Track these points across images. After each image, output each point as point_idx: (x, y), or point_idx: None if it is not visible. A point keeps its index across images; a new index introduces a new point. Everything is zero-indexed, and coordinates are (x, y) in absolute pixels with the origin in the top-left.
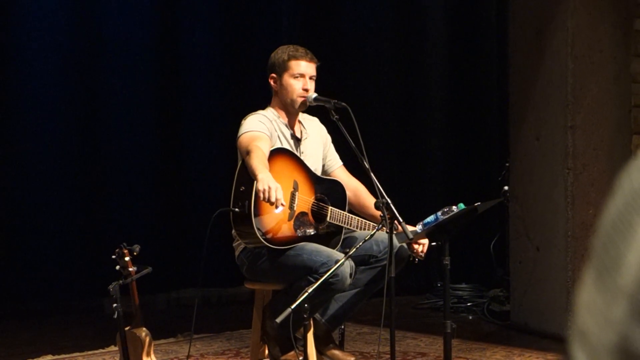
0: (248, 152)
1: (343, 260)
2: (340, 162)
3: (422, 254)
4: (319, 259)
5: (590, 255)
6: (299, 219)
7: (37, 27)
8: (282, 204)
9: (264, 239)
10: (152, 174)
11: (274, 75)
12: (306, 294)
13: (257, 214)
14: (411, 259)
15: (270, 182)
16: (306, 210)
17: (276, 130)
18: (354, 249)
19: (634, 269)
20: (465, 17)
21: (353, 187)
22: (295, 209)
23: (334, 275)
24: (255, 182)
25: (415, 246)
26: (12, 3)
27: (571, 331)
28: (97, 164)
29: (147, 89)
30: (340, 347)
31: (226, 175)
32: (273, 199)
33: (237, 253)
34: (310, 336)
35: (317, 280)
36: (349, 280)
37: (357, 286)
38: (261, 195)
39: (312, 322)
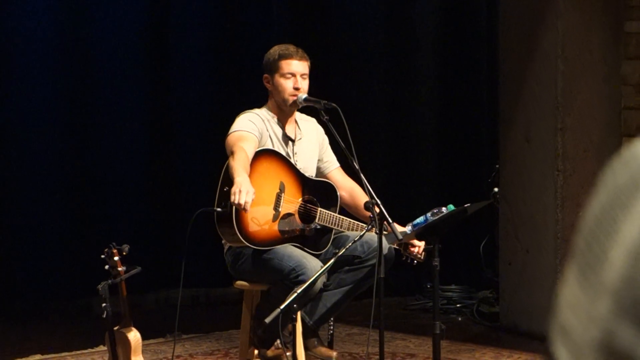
0: (232, 153)
1: (323, 269)
2: (337, 164)
3: (421, 256)
4: (288, 265)
5: (573, 252)
6: (285, 220)
7: (25, 26)
8: (247, 209)
9: (245, 239)
10: (141, 174)
11: (267, 75)
12: (295, 294)
13: (238, 215)
14: (408, 261)
15: (243, 185)
16: (293, 212)
17: (268, 130)
18: (334, 260)
19: (617, 266)
20: (455, 17)
21: (349, 187)
22: (280, 210)
23: (301, 278)
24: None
25: (413, 249)
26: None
27: (553, 328)
28: (86, 164)
29: (137, 89)
30: (329, 347)
31: (217, 174)
32: (242, 201)
33: (224, 251)
34: (298, 333)
35: (288, 286)
36: (318, 287)
37: (342, 286)
38: (232, 197)
39: (300, 320)
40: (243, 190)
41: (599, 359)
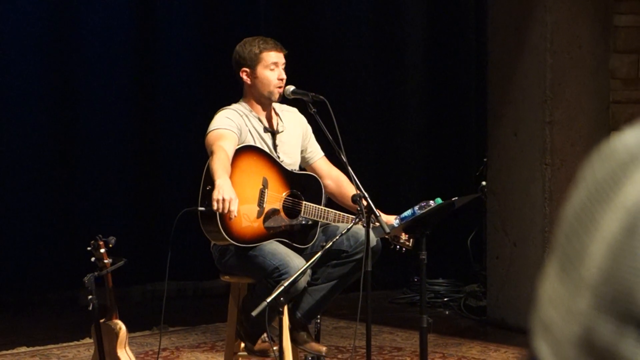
0: (211, 153)
1: (307, 265)
2: (321, 153)
3: (410, 244)
4: (271, 263)
5: (554, 246)
6: (269, 216)
7: (12, 20)
8: (234, 216)
9: (230, 237)
10: (127, 166)
11: (246, 69)
12: (282, 287)
13: (223, 214)
14: (397, 249)
15: (225, 192)
16: (277, 207)
17: (247, 125)
18: (318, 256)
19: (597, 261)
20: (444, 10)
21: (335, 177)
22: (264, 206)
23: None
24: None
25: (403, 236)
26: None
27: (534, 323)
28: (72, 155)
29: (123, 83)
30: (316, 340)
31: (200, 169)
32: (226, 211)
33: (211, 245)
34: (285, 328)
35: (271, 284)
36: (302, 285)
37: (330, 280)
38: (215, 205)
39: (286, 313)
40: (226, 198)
41: (579, 354)
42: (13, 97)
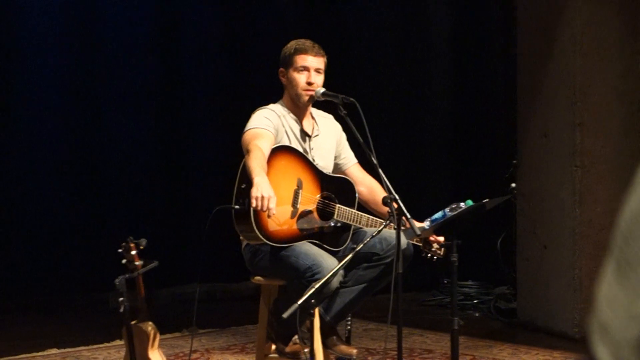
0: (248, 151)
1: (339, 266)
2: (354, 160)
3: (441, 252)
4: (304, 263)
5: (610, 247)
6: (303, 217)
7: (36, 22)
8: (272, 214)
9: (264, 236)
10: (158, 169)
11: (282, 69)
12: (313, 289)
13: (257, 212)
14: (428, 257)
15: (264, 189)
16: (311, 208)
17: (284, 126)
18: (350, 257)
19: None
20: (471, 11)
21: (368, 183)
22: (298, 206)
23: (317, 277)
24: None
25: (433, 244)
26: (10, 5)
27: (591, 326)
28: (103, 158)
29: (150, 85)
30: (347, 342)
31: (233, 170)
32: (265, 209)
33: (242, 246)
34: (316, 330)
35: (304, 284)
36: (334, 285)
37: (360, 283)
38: (253, 202)
39: (318, 316)
40: (265, 196)
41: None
42: (40, 102)
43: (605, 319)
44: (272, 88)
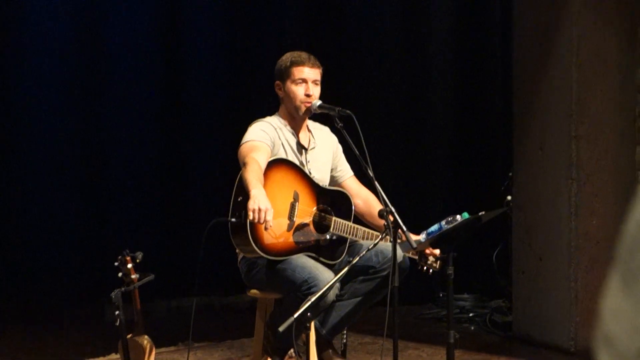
0: (244, 164)
1: (336, 279)
2: (351, 172)
3: (437, 265)
4: (300, 276)
5: (614, 259)
6: (299, 230)
7: (39, 28)
8: (269, 226)
9: (260, 249)
10: (154, 181)
11: (278, 82)
12: (309, 302)
13: (253, 225)
14: (424, 270)
15: (261, 202)
16: (307, 221)
17: (280, 139)
18: (346, 270)
19: None
20: (469, 25)
21: (364, 196)
22: (295, 219)
23: (314, 290)
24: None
25: (429, 258)
26: (14, 6)
27: (596, 338)
28: (99, 170)
29: (149, 98)
30: (343, 356)
31: (229, 182)
32: (262, 221)
33: (238, 259)
34: (312, 343)
35: (300, 298)
36: (331, 298)
37: (356, 296)
38: (250, 215)
39: (314, 329)
40: (262, 208)
41: None
42: (41, 111)
43: (610, 331)
44: (273, 100)
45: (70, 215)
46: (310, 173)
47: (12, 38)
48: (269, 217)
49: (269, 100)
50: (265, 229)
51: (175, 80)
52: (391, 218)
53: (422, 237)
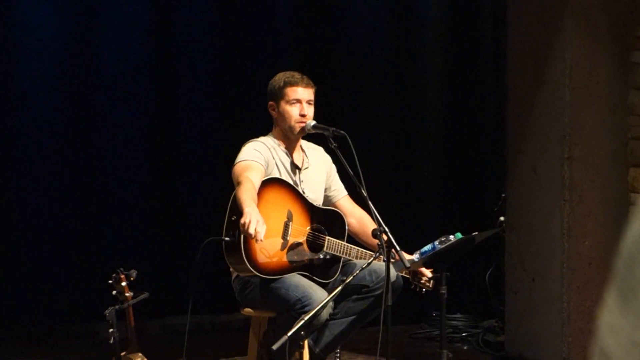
0: (238, 183)
1: (329, 298)
2: (344, 192)
3: (430, 285)
4: (294, 295)
5: (612, 276)
6: (293, 249)
7: (31, 38)
8: (260, 239)
9: (254, 268)
10: (148, 200)
11: (272, 103)
12: (302, 321)
13: (247, 244)
14: (417, 289)
15: (253, 217)
16: (301, 241)
17: (274, 158)
18: (340, 289)
19: None
20: (462, 45)
21: (358, 216)
22: (288, 239)
23: (307, 309)
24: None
25: (422, 277)
26: (7, 14)
27: (593, 353)
28: (93, 188)
29: (142, 114)
30: None
31: (224, 201)
32: (252, 232)
33: (232, 278)
34: None
35: (293, 316)
36: (324, 317)
37: (350, 315)
38: (242, 228)
39: (307, 348)
40: (253, 221)
41: None
42: (30, 125)
43: (607, 346)
44: (266, 119)
45: (64, 232)
46: (304, 193)
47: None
48: (260, 229)
49: (262, 117)
50: (257, 241)
51: (168, 95)
52: (385, 237)
53: (415, 256)
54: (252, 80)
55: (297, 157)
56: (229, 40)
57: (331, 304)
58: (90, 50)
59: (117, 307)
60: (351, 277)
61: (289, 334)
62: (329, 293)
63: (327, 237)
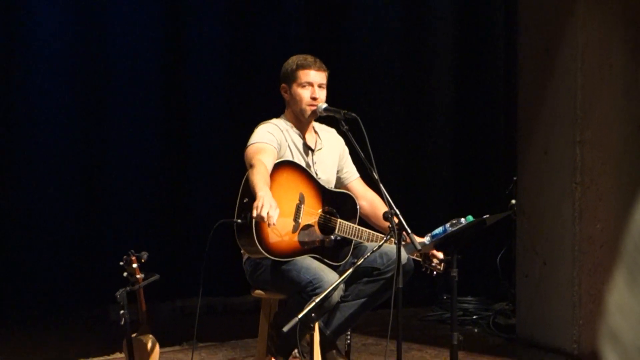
0: (251, 166)
1: (340, 280)
2: (357, 174)
3: (440, 267)
4: (305, 278)
5: (621, 255)
6: (305, 231)
7: (42, 34)
8: (273, 223)
9: (265, 250)
10: (159, 181)
11: (284, 85)
12: (313, 303)
13: (258, 226)
14: (428, 272)
15: (266, 201)
16: (313, 223)
17: (287, 140)
18: (351, 271)
19: None
20: (473, 30)
21: (369, 198)
22: (300, 221)
23: (318, 291)
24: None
25: (433, 260)
26: (18, 10)
27: (602, 333)
28: (104, 170)
29: (153, 98)
30: (347, 357)
31: (235, 183)
32: (265, 216)
33: (243, 260)
34: (316, 344)
35: (304, 299)
36: (335, 300)
37: (360, 297)
38: (254, 212)
39: (318, 330)
40: (266, 205)
41: None
42: (44, 114)
43: (616, 326)
44: (277, 103)
45: (75, 216)
46: (316, 174)
47: (14, 47)
48: (273, 214)
49: (273, 101)
50: (269, 225)
51: (178, 81)
52: (396, 220)
53: (426, 239)
54: (263, 62)
55: (310, 138)
56: (240, 31)
57: (342, 286)
58: (100, 34)
59: (128, 289)
60: (362, 260)
61: (300, 316)
62: (340, 275)
63: (339, 220)
